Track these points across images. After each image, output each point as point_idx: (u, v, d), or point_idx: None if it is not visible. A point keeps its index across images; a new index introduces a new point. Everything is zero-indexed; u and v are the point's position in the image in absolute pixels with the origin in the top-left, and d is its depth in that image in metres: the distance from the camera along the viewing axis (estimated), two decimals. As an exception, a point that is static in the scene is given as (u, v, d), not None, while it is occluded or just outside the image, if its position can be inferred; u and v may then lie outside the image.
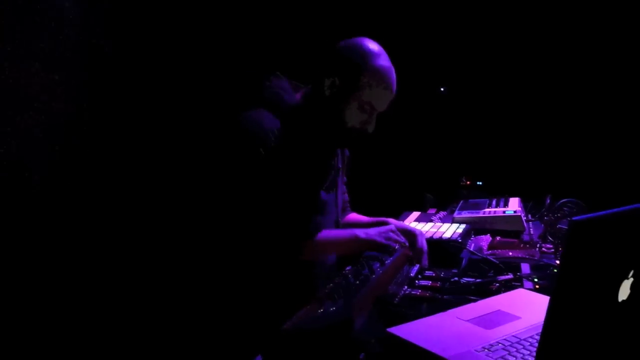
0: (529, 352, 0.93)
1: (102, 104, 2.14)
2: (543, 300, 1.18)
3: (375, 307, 1.21)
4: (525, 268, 1.50)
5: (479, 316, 1.09)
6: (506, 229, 1.91)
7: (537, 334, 0.99)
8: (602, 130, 2.99)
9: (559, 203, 1.90)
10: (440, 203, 2.50)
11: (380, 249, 1.44)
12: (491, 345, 0.95)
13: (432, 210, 2.34)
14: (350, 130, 1.46)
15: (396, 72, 1.47)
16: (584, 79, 3.02)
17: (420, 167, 3.38)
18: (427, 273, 1.45)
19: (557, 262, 1.53)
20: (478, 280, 1.39)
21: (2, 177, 1.78)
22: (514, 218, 1.92)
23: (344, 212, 1.78)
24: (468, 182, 2.79)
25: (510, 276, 1.40)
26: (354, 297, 1.16)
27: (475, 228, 1.91)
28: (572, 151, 3.07)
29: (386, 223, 1.63)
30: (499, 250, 1.69)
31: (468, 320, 1.06)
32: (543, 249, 1.71)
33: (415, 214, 2.20)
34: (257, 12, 2.59)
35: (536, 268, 1.50)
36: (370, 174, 2.64)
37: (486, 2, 3.17)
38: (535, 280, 1.37)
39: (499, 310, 1.12)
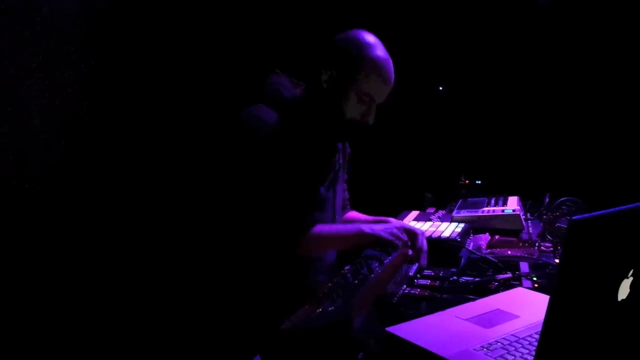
0: (527, 351, 0.93)
1: (102, 102, 2.13)
2: (542, 299, 1.18)
3: (374, 306, 1.21)
4: (524, 267, 1.50)
5: (478, 315, 1.08)
6: (505, 228, 1.91)
7: (535, 333, 0.99)
8: (601, 128, 2.99)
9: (557, 202, 1.90)
10: (439, 202, 2.50)
11: (384, 245, 1.44)
12: (490, 344, 0.95)
13: (431, 209, 2.34)
14: (350, 122, 1.45)
15: (395, 71, 1.47)
16: (582, 78, 3.02)
17: (419, 167, 3.38)
18: (426, 272, 1.45)
19: (556, 260, 1.53)
20: (477, 279, 1.39)
21: (1, 177, 1.78)
22: (513, 217, 1.92)
23: (344, 210, 1.78)
24: (467, 181, 2.79)
25: (509, 275, 1.40)
26: (353, 296, 1.15)
27: (474, 227, 1.91)
28: (571, 150, 3.07)
29: (386, 222, 1.63)
30: (498, 249, 1.69)
31: (467, 320, 1.06)
32: (542, 247, 1.71)
33: (414, 213, 2.20)
34: (255, 9, 2.59)
35: (535, 267, 1.50)
36: (369, 173, 2.63)
37: (484, 1, 3.17)
38: (534, 279, 1.37)
39: (497, 309, 1.12)
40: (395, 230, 1.43)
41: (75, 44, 2.01)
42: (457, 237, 1.65)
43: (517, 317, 1.07)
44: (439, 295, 1.28)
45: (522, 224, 1.93)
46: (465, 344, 0.95)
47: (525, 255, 1.60)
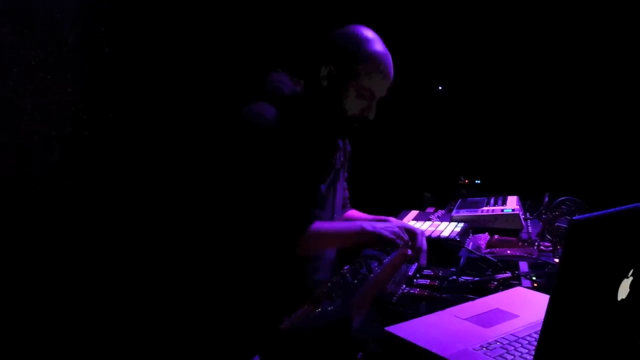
0: (527, 351, 0.93)
1: (102, 101, 2.13)
2: (541, 299, 1.18)
3: (373, 306, 1.21)
4: (524, 266, 1.50)
5: (477, 315, 1.08)
6: (504, 228, 1.91)
7: (535, 333, 0.99)
8: (600, 128, 2.99)
9: (557, 201, 1.90)
10: (438, 202, 2.50)
11: (385, 243, 1.43)
12: (489, 343, 0.95)
13: (430, 209, 2.34)
14: (351, 118, 1.45)
15: (394, 71, 1.46)
16: (582, 77, 3.02)
17: (418, 166, 3.38)
18: (426, 272, 1.45)
19: (556, 260, 1.53)
20: (476, 278, 1.39)
21: (1, 177, 1.77)
22: (512, 216, 1.92)
23: (344, 208, 1.78)
24: (466, 181, 2.79)
25: (508, 274, 1.40)
26: (352, 296, 1.15)
27: (473, 226, 1.91)
28: (570, 149, 3.07)
29: (386, 221, 1.62)
30: (497, 249, 1.69)
31: (466, 319, 1.06)
32: (541, 247, 1.71)
33: (414, 213, 2.20)
34: (254, 7, 2.59)
35: (534, 266, 1.50)
36: (368, 172, 2.63)
37: (483, 0, 3.17)
38: (534, 278, 1.37)
39: (497, 308, 1.12)
40: (396, 229, 1.43)
41: (75, 43, 2.00)
42: (457, 237, 1.64)
43: (516, 316, 1.07)
44: (438, 295, 1.28)
45: (522, 223, 1.93)
46: (464, 344, 0.95)
47: (525, 255, 1.60)
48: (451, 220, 1.96)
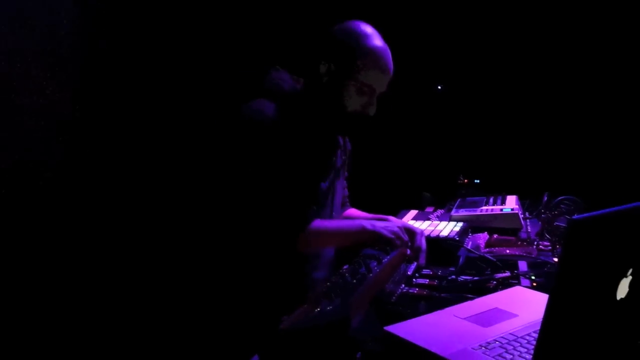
0: (526, 350, 0.93)
1: (101, 100, 2.12)
2: (540, 298, 1.18)
3: (372, 305, 1.21)
4: (523, 266, 1.50)
5: (476, 314, 1.08)
6: (503, 227, 1.91)
7: (534, 332, 0.99)
8: (599, 127, 2.99)
9: (556, 200, 1.90)
10: (437, 201, 2.50)
11: (384, 242, 1.43)
12: (488, 343, 0.95)
13: (429, 209, 2.34)
14: (352, 115, 1.45)
15: (393, 70, 1.46)
16: (581, 76, 3.02)
17: (417, 166, 3.38)
18: (425, 271, 1.45)
19: (555, 259, 1.53)
20: (475, 278, 1.39)
21: (1, 177, 1.77)
22: (512, 216, 1.92)
23: (343, 207, 1.77)
24: (466, 180, 2.79)
25: (507, 274, 1.40)
26: (351, 296, 1.15)
27: (472, 226, 1.91)
28: (569, 149, 3.07)
29: (385, 220, 1.62)
30: (496, 248, 1.69)
31: (465, 318, 1.06)
32: (540, 246, 1.71)
33: (413, 212, 2.20)
34: (253, 6, 2.59)
35: (533, 265, 1.50)
36: (368, 172, 2.63)
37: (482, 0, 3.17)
38: (533, 277, 1.37)
39: (496, 308, 1.12)
40: (396, 229, 1.43)
41: (72, 43, 2.00)
42: (456, 236, 1.64)
43: (515, 316, 1.07)
44: (437, 295, 1.28)
45: (521, 222, 1.93)
46: (463, 343, 0.95)
47: (524, 254, 1.60)
48: (450, 219, 1.96)
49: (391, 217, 1.67)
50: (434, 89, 3.47)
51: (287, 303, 1.11)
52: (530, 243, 1.73)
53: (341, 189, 1.67)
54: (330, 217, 1.58)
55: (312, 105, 1.47)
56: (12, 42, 1.78)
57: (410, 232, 1.49)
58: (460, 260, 1.56)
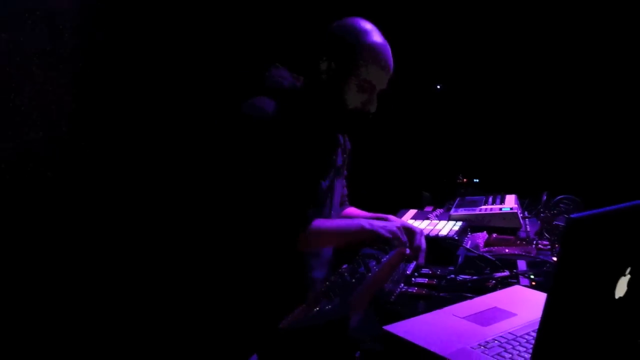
0: (525, 349, 0.93)
1: (100, 98, 2.12)
2: (539, 297, 1.18)
3: (371, 305, 1.21)
4: (522, 265, 1.50)
5: (475, 313, 1.08)
6: (503, 226, 1.91)
7: (533, 331, 0.99)
8: (598, 127, 2.99)
9: (555, 200, 1.90)
10: (437, 200, 2.50)
11: (383, 242, 1.43)
12: (487, 342, 0.95)
13: (428, 208, 2.34)
14: (352, 112, 1.44)
15: (393, 64, 1.46)
16: (579, 76, 3.03)
17: (417, 165, 3.38)
18: (424, 271, 1.45)
19: (554, 258, 1.53)
20: (474, 277, 1.39)
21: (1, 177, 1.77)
22: (511, 215, 1.92)
23: (342, 206, 1.77)
24: (465, 180, 2.80)
25: (506, 273, 1.40)
26: (350, 295, 1.15)
27: (471, 225, 1.91)
28: (569, 148, 3.08)
29: (385, 219, 1.62)
30: (496, 248, 1.69)
31: (464, 318, 1.06)
32: (539, 245, 1.71)
33: (412, 212, 2.20)
34: (253, 3, 2.58)
35: (532, 265, 1.50)
36: (367, 171, 2.63)
37: (482, -1, 3.18)
38: (532, 277, 1.37)
39: (495, 307, 1.12)
40: (394, 229, 1.42)
41: (72, 43, 2.00)
42: (455, 236, 1.64)
43: (514, 315, 1.07)
44: (436, 294, 1.28)
45: (520, 222, 1.93)
46: (462, 342, 0.95)
47: (523, 254, 1.60)
48: (449, 219, 1.96)
49: (391, 216, 1.66)
50: (433, 89, 3.47)
51: (286, 302, 1.11)
52: (530, 242, 1.73)
53: (340, 187, 1.67)
54: (329, 216, 1.58)
55: (312, 103, 1.46)
56: (12, 42, 1.77)
57: (410, 231, 1.49)
58: (460, 259, 1.56)
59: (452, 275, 1.40)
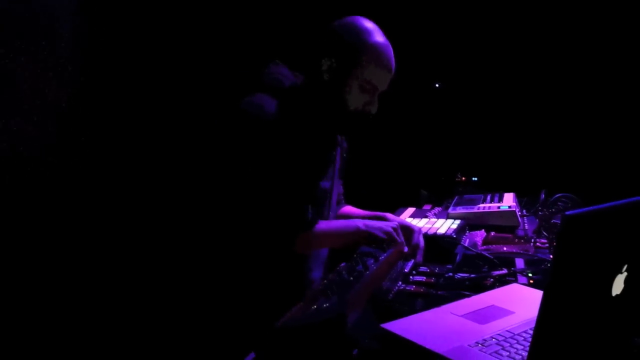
0: (522, 347, 0.93)
1: (100, 96, 2.12)
2: (537, 295, 1.17)
3: (369, 303, 1.21)
4: (520, 263, 1.50)
5: (473, 311, 1.08)
6: (501, 224, 1.91)
7: (530, 329, 0.99)
8: (597, 125, 3.00)
9: (553, 198, 1.90)
10: (435, 199, 2.50)
11: (377, 242, 1.43)
12: (485, 340, 0.95)
13: (427, 206, 2.34)
14: (353, 113, 1.43)
15: (395, 67, 1.45)
16: (578, 75, 3.03)
17: (415, 163, 3.38)
18: (422, 269, 1.45)
19: (552, 257, 1.54)
20: (472, 275, 1.39)
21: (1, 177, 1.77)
22: (509, 213, 1.92)
23: (339, 204, 1.77)
24: (463, 178, 2.80)
25: (504, 271, 1.40)
26: (348, 293, 1.15)
27: (470, 224, 1.91)
28: (567, 146, 3.08)
29: (383, 217, 1.62)
30: (494, 246, 1.69)
31: (462, 316, 1.06)
32: (537, 244, 1.71)
33: (411, 210, 2.20)
34: (253, 1, 2.58)
35: (530, 263, 1.50)
36: (365, 169, 2.64)
37: (481, -3, 3.17)
38: (530, 275, 1.37)
39: (493, 305, 1.12)
40: (389, 229, 1.42)
41: (72, 43, 1.99)
42: (453, 234, 1.65)
43: (512, 313, 1.07)
44: (434, 292, 1.28)
45: (518, 220, 1.93)
46: (460, 340, 0.95)
47: (521, 252, 1.60)
48: (448, 217, 1.96)
49: (389, 215, 1.66)
50: (432, 87, 3.47)
51: (283, 301, 1.11)
52: (528, 240, 1.73)
53: (337, 186, 1.67)
54: (327, 216, 1.57)
55: (313, 102, 1.45)
56: (13, 42, 1.77)
57: (408, 229, 1.49)
58: (458, 257, 1.56)
59: (450, 274, 1.41)
